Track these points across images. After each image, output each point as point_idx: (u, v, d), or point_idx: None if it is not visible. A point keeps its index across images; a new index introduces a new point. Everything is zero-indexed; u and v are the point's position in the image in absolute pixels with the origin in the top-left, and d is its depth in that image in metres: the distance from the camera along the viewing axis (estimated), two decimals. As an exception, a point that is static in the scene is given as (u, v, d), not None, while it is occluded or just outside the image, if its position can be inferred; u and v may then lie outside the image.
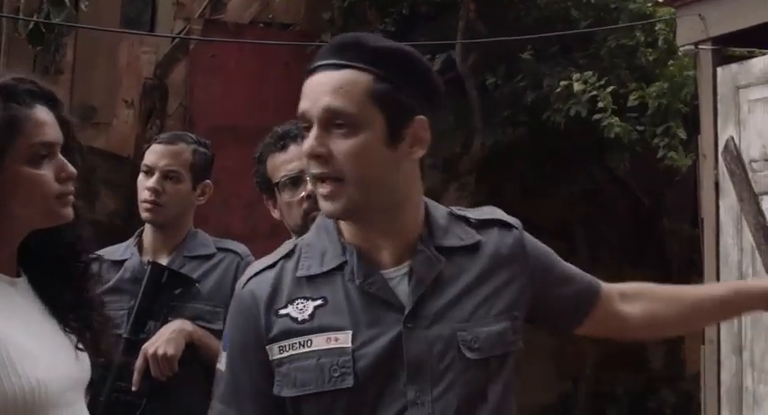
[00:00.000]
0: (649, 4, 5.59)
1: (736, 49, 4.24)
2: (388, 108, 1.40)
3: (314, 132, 1.40)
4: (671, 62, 5.27)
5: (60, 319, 1.60)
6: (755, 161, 3.99)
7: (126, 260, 2.50)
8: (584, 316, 1.58)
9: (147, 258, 2.49)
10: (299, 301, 1.43)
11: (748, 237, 3.94)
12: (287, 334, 1.42)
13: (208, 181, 2.57)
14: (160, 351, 2.26)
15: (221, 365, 1.57)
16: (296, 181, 2.20)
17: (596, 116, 5.06)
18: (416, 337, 1.40)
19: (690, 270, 6.75)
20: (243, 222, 5.62)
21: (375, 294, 1.41)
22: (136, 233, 2.58)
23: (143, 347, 2.29)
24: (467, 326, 1.41)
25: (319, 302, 1.42)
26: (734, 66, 4.14)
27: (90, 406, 2.34)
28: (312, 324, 1.41)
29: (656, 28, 5.41)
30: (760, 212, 3.89)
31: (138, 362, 2.28)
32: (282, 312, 1.44)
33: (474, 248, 1.48)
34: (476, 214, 1.53)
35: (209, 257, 2.52)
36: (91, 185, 5.68)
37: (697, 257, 5.16)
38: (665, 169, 5.22)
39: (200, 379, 2.36)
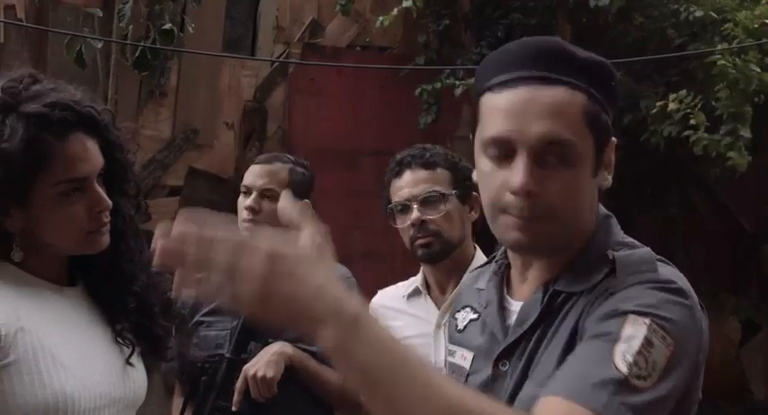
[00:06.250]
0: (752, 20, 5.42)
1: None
2: (597, 132, 1.21)
3: (527, 165, 1.16)
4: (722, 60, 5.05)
5: (113, 328, 1.54)
6: None
7: (229, 281, 2.55)
8: None
9: (248, 280, 2.54)
10: (466, 309, 1.39)
11: None
12: (449, 338, 1.42)
13: (306, 200, 2.61)
14: (260, 373, 2.29)
15: None
16: (404, 208, 2.25)
17: (686, 132, 4.95)
18: (498, 384, 1.25)
19: (794, 299, 6.52)
20: (339, 244, 5.64)
21: (489, 324, 1.31)
22: None
23: (244, 368, 2.33)
24: (531, 388, 1.19)
25: (476, 316, 1.36)
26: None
27: (192, 423, 2.42)
28: (462, 336, 1.37)
29: (726, 29, 5.21)
30: None
31: (239, 383, 2.32)
32: (456, 315, 1.42)
33: (589, 292, 1.21)
34: (634, 271, 1.20)
35: None
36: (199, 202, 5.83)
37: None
38: (731, 169, 5.04)
39: (298, 401, 2.40)
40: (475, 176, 1.28)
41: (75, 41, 4.27)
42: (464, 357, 1.34)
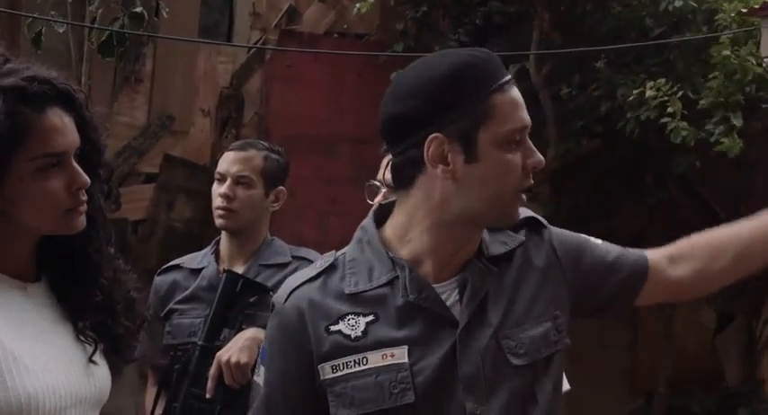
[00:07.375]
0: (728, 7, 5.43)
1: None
2: None
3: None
4: (716, 48, 5.04)
5: (75, 326, 1.50)
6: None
7: (203, 268, 2.53)
8: (635, 296, 1.57)
9: (223, 266, 2.53)
10: (350, 317, 1.41)
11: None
12: (340, 352, 1.40)
13: (281, 187, 2.59)
14: (233, 359, 2.27)
15: (258, 378, 1.54)
16: (377, 188, 2.22)
17: (663, 120, 4.95)
18: (469, 349, 1.40)
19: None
20: (315, 230, 5.65)
21: (429, 308, 1.41)
22: (213, 242, 2.62)
23: (217, 354, 2.31)
24: (510, 333, 1.43)
25: (371, 318, 1.41)
26: (819, 78, 4.02)
27: (166, 412, 2.40)
28: (366, 341, 1.40)
29: (716, 19, 5.22)
30: None
31: (212, 370, 2.30)
32: (333, 328, 1.41)
33: (514, 251, 1.49)
34: None
35: (284, 265, 2.53)
36: (166, 192, 5.80)
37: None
38: (716, 155, 5.03)
39: (273, 388, 2.38)
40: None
41: (36, 23, 4.19)
42: (390, 356, 1.39)
